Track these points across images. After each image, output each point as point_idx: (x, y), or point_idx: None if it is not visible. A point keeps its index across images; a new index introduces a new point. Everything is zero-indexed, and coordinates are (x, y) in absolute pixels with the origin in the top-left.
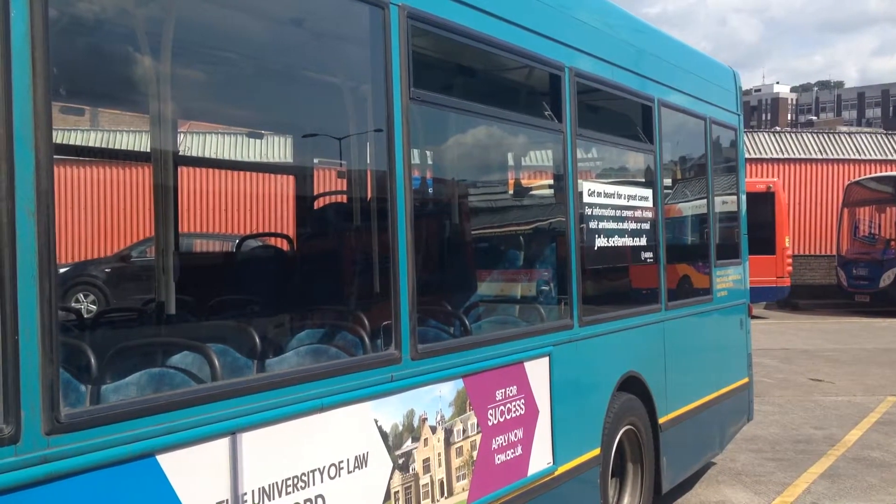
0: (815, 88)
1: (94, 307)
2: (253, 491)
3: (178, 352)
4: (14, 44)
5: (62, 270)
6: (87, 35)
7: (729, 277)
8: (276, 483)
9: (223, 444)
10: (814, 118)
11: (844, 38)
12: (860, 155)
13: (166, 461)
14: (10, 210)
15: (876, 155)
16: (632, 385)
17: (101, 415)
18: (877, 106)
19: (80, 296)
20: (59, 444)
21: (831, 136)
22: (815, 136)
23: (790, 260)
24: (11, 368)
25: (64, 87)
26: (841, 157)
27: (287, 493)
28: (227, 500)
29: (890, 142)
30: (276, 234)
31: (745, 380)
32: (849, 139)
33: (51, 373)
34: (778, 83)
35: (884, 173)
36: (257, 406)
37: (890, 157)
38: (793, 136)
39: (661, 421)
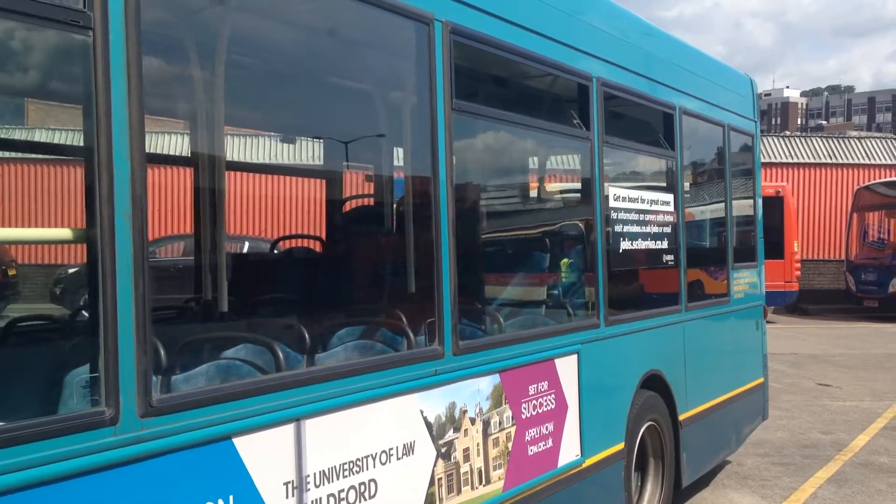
0: (826, 93)
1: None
2: (315, 474)
3: (233, 346)
4: (112, 62)
5: (71, 271)
6: (171, 51)
7: (745, 280)
8: (335, 467)
9: (289, 429)
10: (824, 122)
11: (860, 42)
12: (870, 160)
13: (241, 444)
14: (110, 215)
15: (886, 160)
16: (654, 383)
17: (186, 400)
18: (887, 110)
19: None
20: (151, 426)
21: (841, 140)
22: (824, 140)
23: (799, 264)
24: (112, 358)
25: (153, 100)
26: (851, 161)
27: (344, 477)
28: (292, 482)
29: None
30: (308, 236)
31: (761, 380)
32: (859, 144)
33: (145, 362)
34: (788, 87)
35: (894, 178)
36: (318, 395)
37: None
38: (802, 140)
39: (681, 418)
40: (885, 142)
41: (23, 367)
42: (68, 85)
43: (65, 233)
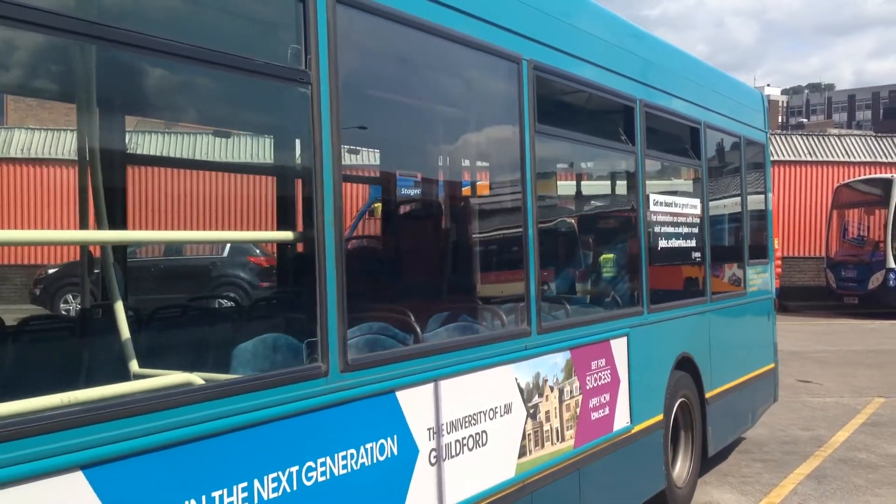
0: (806, 91)
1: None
2: (446, 423)
3: (380, 322)
4: (322, 107)
5: (51, 271)
6: (357, 98)
7: (759, 275)
8: (459, 419)
9: (430, 387)
10: (804, 120)
11: (841, 40)
12: (850, 157)
13: (401, 396)
14: (321, 223)
15: (865, 157)
16: (685, 364)
17: (367, 361)
18: (867, 108)
19: (70, 297)
20: (347, 378)
21: (821, 138)
22: (805, 138)
23: (779, 262)
24: (325, 327)
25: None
26: (830, 159)
27: (465, 428)
28: (433, 428)
29: (879, 144)
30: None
31: (772, 365)
32: (838, 141)
33: (344, 331)
34: (769, 85)
35: (873, 175)
36: (448, 362)
37: (879, 160)
38: (783, 138)
39: (707, 396)
40: (865, 139)
41: (264, 332)
42: (293, 123)
43: (287, 234)
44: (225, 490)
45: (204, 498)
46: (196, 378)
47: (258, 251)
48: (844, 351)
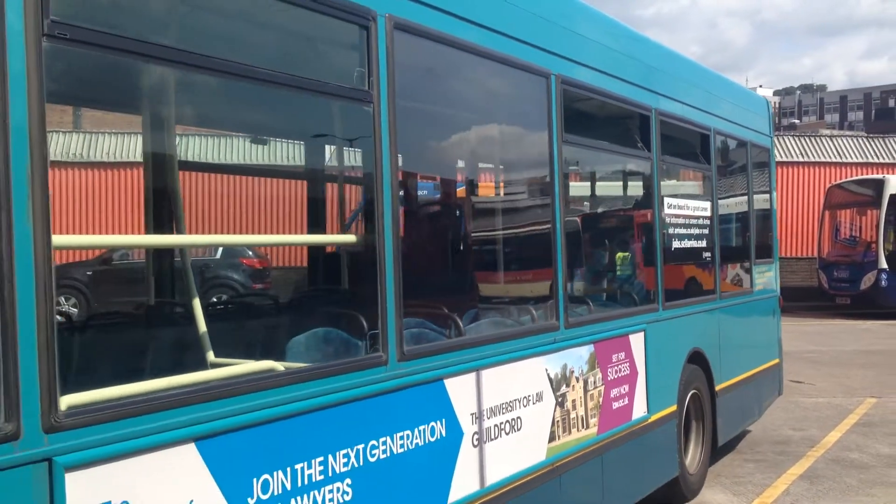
0: (798, 92)
1: (75, 310)
2: (487, 409)
3: (420, 317)
4: (382, 123)
5: None
6: (412, 115)
7: (764, 274)
8: (498, 405)
9: (473, 376)
10: (797, 121)
11: (834, 41)
12: (842, 158)
13: (448, 384)
14: (381, 226)
15: (857, 158)
16: (696, 358)
17: (420, 351)
18: (859, 109)
19: (62, 299)
20: (403, 367)
21: (813, 139)
22: (797, 139)
23: None
24: (385, 321)
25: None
26: (823, 160)
27: (502, 413)
28: (475, 413)
29: (871, 145)
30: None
31: (777, 360)
32: (831, 142)
33: (400, 323)
34: (761, 86)
35: (865, 176)
36: (488, 353)
37: (871, 161)
38: (775, 139)
39: (716, 388)
40: (857, 140)
41: (327, 326)
42: (357, 135)
43: (350, 237)
44: (305, 463)
45: (289, 469)
46: (277, 365)
47: (251, 253)
48: (836, 351)
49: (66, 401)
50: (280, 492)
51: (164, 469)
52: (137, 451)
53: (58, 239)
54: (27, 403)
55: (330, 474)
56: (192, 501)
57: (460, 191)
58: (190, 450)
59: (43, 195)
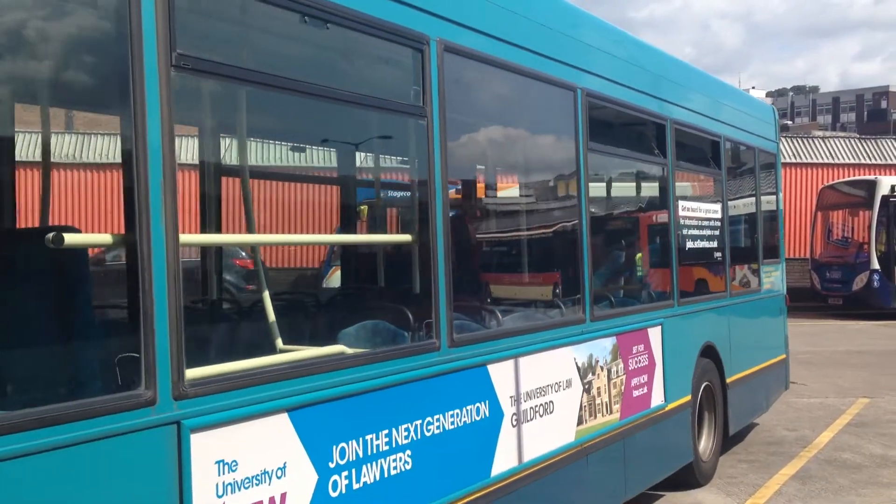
0: (791, 93)
1: None
2: (524, 393)
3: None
4: (435, 136)
5: None
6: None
7: (772, 274)
8: (533, 390)
9: (511, 363)
10: (789, 122)
11: (826, 42)
12: (834, 159)
13: (491, 369)
14: (434, 227)
15: (849, 159)
16: (709, 352)
17: (467, 339)
18: (851, 111)
19: None
20: (453, 353)
21: (806, 140)
22: (789, 140)
23: None
24: (437, 310)
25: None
26: (815, 161)
27: (536, 397)
28: (514, 396)
29: (864, 146)
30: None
31: (783, 356)
32: (823, 143)
33: (451, 313)
34: (754, 88)
35: (857, 177)
36: (525, 342)
37: (863, 162)
38: None
39: (728, 381)
40: (849, 141)
41: (386, 315)
42: (409, 147)
43: (406, 237)
44: (373, 435)
45: (361, 439)
46: (346, 349)
47: (244, 254)
48: (829, 352)
49: (190, 374)
50: (353, 458)
51: (264, 434)
52: (244, 417)
53: (184, 238)
54: (162, 375)
55: (394, 445)
56: (285, 463)
57: (498, 194)
58: (283, 419)
59: (172, 201)
